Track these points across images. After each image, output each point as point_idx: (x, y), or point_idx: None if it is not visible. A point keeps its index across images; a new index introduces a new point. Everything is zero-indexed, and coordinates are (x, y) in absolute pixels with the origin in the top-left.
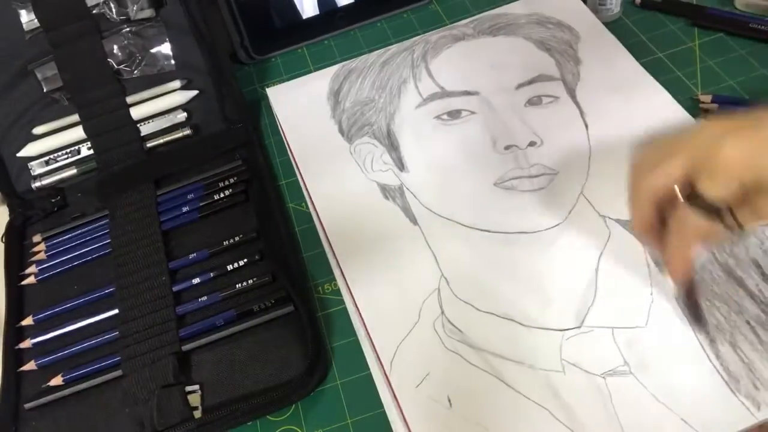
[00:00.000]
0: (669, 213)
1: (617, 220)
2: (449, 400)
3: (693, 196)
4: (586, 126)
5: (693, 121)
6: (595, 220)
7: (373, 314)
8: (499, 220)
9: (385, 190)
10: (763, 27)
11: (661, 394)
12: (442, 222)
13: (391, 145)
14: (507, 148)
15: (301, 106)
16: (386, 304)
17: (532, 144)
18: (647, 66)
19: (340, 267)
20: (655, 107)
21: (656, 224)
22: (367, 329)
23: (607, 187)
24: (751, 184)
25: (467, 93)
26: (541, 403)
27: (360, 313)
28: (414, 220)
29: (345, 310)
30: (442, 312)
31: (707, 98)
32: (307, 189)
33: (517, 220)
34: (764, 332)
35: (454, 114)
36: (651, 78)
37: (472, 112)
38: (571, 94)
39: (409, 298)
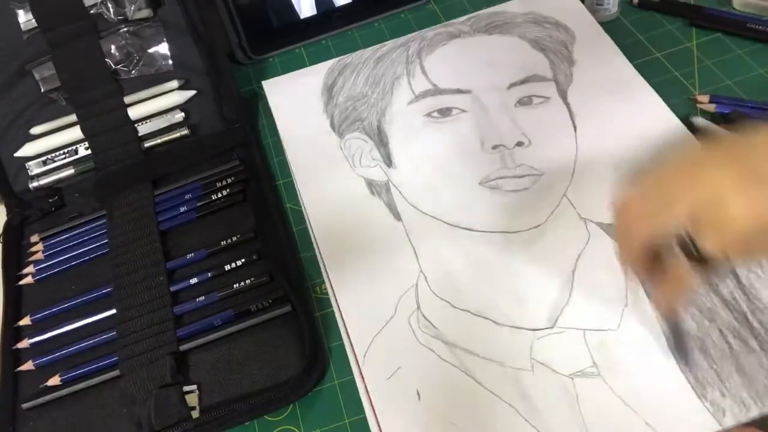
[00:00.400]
0: (657, 252)
1: (598, 224)
2: (418, 394)
3: (684, 244)
4: (575, 128)
5: (684, 130)
6: (576, 222)
7: (351, 308)
8: (482, 220)
9: (372, 186)
10: (760, 27)
11: (627, 397)
12: (426, 219)
13: (381, 141)
14: (494, 147)
15: (295, 99)
16: (364, 299)
17: (519, 144)
18: (645, 66)
19: (323, 261)
20: (645, 112)
21: (646, 260)
22: (344, 323)
23: (591, 190)
24: (752, 233)
25: (459, 91)
26: (507, 401)
27: (339, 307)
28: (398, 217)
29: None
30: (418, 307)
31: (705, 98)
32: (296, 182)
33: (500, 219)
34: (735, 340)
35: (445, 112)
36: (644, 81)
37: (463, 111)
38: (563, 95)
39: (387, 293)
